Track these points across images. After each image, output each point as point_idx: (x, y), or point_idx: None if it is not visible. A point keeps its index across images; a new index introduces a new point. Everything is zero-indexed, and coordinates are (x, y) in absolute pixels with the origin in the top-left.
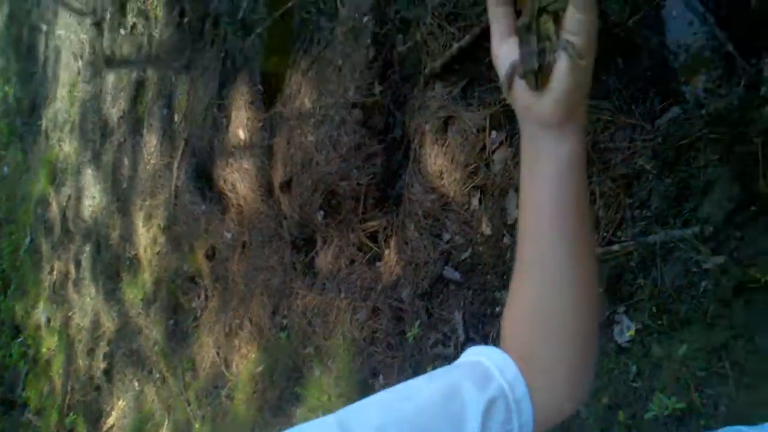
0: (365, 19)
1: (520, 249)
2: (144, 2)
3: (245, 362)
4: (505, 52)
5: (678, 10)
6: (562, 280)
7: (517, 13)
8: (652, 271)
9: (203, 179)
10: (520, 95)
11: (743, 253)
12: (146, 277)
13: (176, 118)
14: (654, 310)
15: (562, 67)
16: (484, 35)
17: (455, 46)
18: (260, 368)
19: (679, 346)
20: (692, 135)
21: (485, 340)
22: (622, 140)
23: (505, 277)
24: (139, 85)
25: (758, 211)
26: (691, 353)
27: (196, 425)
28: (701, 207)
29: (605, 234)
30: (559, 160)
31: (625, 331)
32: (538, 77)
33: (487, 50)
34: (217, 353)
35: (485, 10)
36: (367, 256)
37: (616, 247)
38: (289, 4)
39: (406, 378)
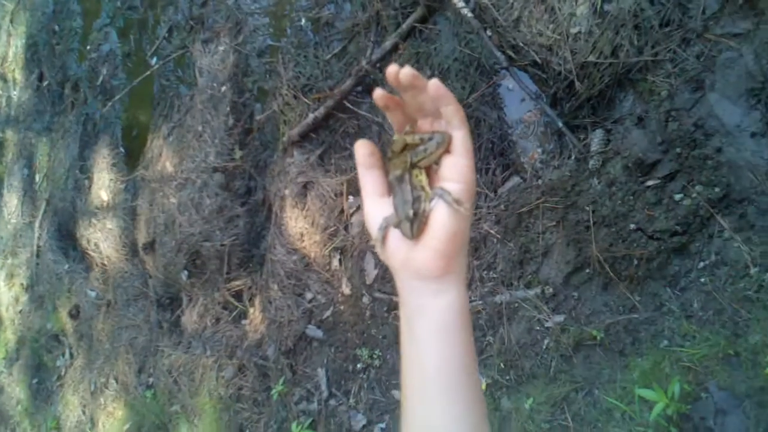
0: (223, 88)
1: (406, 416)
2: (1, 65)
3: (112, 420)
4: (377, 210)
5: (514, 88)
6: None
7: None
8: (500, 329)
9: (66, 239)
10: (396, 249)
11: (580, 312)
12: (8, 335)
13: (37, 178)
14: (502, 365)
15: (439, 215)
16: (338, 107)
17: (311, 116)
18: (127, 426)
19: (526, 400)
20: (531, 203)
21: (347, 396)
22: None
23: (365, 334)
24: None
25: (592, 273)
26: (537, 406)
27: None
28: (541, 270)
29: None
30: (440, 314)
31: None
32: (414, 224)
33: (341, 120)
34: (83, 411)
35: (338, 83)
36: (233, 315)
37: None
38: (148, 72)
39: None
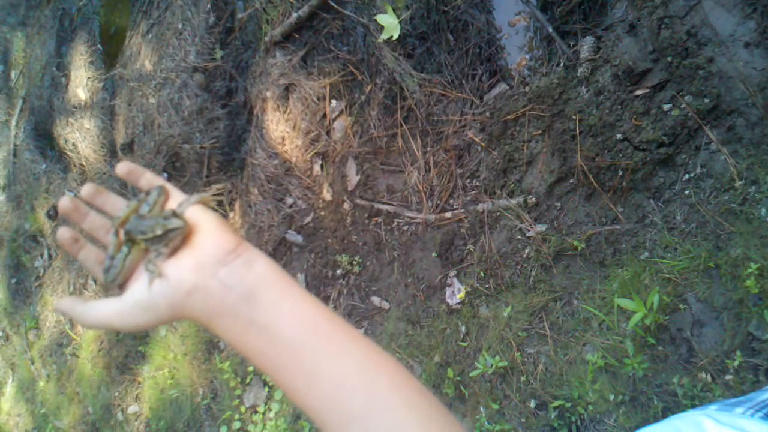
0: None
1: (308, 407)
2: None
3: None
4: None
5: None
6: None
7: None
8: (481, 237)
9: (43, 138)
10: (182, 267)
11: (562, 222)
12: None
13: (13, 75)
14: (482, 274)
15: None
16: (322, 7)
17: (294, 15)
18: None
19: (504, 308)
20: (517, 111)
21: (326, 301)
22: (453, 113)
23: (345, 240)
24: None
25: (576, 183)
26: (515, 315)
27: (41, 383)
28: (525, 179)
29: (439, 202)
30: (266, 282)
31: (456, 293)
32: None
33: (325, 20)
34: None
35: None
36: None
37: (448, 215)
38: None
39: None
